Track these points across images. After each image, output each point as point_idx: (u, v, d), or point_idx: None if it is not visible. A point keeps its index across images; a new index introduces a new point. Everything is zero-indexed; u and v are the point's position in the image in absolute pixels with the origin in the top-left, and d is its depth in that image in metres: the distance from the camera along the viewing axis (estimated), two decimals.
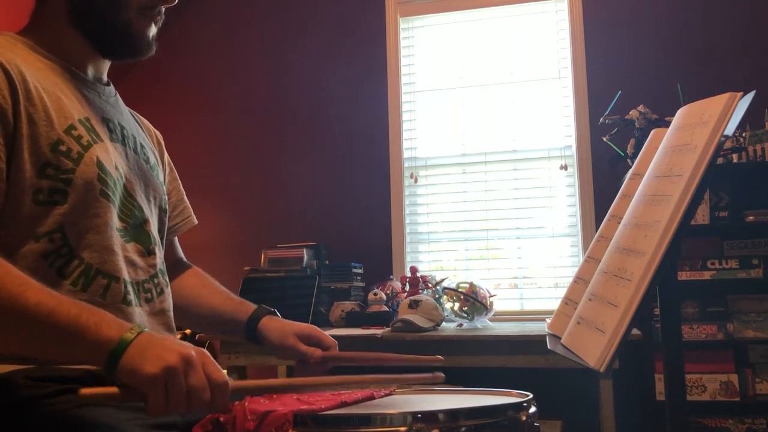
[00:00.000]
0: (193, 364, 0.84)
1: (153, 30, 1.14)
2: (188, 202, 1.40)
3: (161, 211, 1.24)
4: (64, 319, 0.85)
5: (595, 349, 0.88)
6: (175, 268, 1.37)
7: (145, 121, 1.35)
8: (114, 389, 0.83)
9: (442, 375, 1.14)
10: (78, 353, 0.87)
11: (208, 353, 0.88)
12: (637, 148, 2.80)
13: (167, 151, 1.38)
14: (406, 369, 1.23)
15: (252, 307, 1.32)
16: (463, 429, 0.87)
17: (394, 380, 1.12)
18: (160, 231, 1.24)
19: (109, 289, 1.03)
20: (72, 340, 0.85)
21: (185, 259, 1.42)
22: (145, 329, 0.88)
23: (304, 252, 3.07)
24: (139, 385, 0.83)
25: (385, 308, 2.86)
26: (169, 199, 1.32)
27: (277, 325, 1.28)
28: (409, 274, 3.01)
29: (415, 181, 3.37)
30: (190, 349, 0.85)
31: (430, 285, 2.93)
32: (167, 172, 1.36)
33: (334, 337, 1.29)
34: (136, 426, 0.93)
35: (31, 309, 0.84)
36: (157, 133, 1.37)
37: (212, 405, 0.86)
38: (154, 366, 0.82)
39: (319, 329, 1.29)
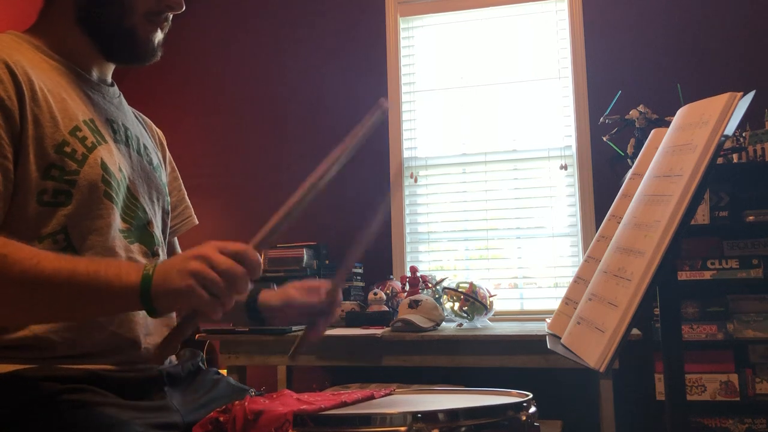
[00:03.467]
0: (209, 255, 0.86)
1: (159, 36, 1.15)
2: (189, 201, 1.40)
3: (164, 213, 1.24)
4: (85, 279, 0.87)
5: (595, 349, 0.88)
6: None
7: (149, 121, 1.35)
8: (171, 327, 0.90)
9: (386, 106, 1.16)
10: (109, 306, 0.90)
11: (213, 243, 0.89)
12: (637, 148, 2.80)
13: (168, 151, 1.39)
14: None
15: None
16: (463, 429, 0.87)
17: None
18: (164, 232, 1.24)
19: None
20: (98, 296, 0.88)
21: None
22: (159, 261, 0.91)
23: (304, 252, 3.07)
24: (181, 302, 0.86)
25: (385, 308, 2.86)
26: (170, 200, 1.32)
27: (273, 292, 1.28)
28: (409, 274, 3.01)
29: (415, 181, 3.37)
30: (198, 249, 0.88)
31: (430, 285, 2.93)
32: (169, 171, 1.36)
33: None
34: (138, 425, 0.93)
35: (49, 276, 0.86)
36: (160, 132, 1.37)
37: (252, 272, 0.88)
38: (182, 279, 0.85)
39: (311, 279, 1.27)
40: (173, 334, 0.94)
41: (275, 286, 1.32)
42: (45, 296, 0.88)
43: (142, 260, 1.12)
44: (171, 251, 1.38)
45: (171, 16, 1.15)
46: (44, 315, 0.92)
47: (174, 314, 1.19)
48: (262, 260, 0.92)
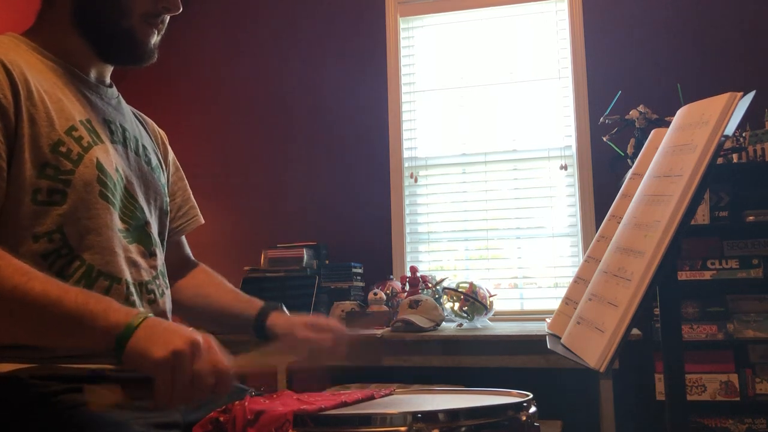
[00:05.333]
0: (199, 349, 0.85)
1: (155, 38, 1.15)
2: (195, 201, 1.40)
3: (162, 213, 1.24)
4: (72, 307, 0.86)
5: (595, 349, 0.88)
6: (184, 266, 1.37)
7: (150, 121, 1.35)
8: (116, 386, 0.85)
9: None
10: (86, 339, 0.88)
11: (213, 339, 0.89)
12: (637, 148, 2.80)
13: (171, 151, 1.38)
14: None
15: (259, 303, 1.32)
16: (463, 429, 0.87)
17: None
18: (161, 233, 1.23)
19: (111, 290, 1.03)
20: (80, 326, 0.86)
21: (193, 258, 1.42)
22: (151, 315, 0.89)
23: (304, 252, 3.07)
24: (147, 369, 0.84)
25: (385, 308, 2.86)
26: (174, 199, 1.32)
27: (284, 320, 1.28)
28: (409, 274, 3.01)
29: (415, 181, 3.37)
30: (196, 335, 0.87)
31: (430, 285, 2.93)
32: (172, 171, 1.35)
33: None
34: (138, 425, 0.93)
35: (38, 298, 0.85)
36: (162, 132, 1.37)
37: (215, 391, 0.87)
38: (162, 350, 0.83)
39: (323, 316, 1.29)
40: (111, 392, 0.89)
41: (285, 308, 1.32)
42: (29, 317, 0.87)
43: (141, 260, 1.12)
44: (179, 250, 1.37)
45: (168, 17, 1.15)
46: (23, 335, 0.91)
47: (170, 318, 1.19)
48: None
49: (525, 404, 0.94)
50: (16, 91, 0.98)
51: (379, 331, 2.59)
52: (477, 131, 3.34)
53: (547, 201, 3.23)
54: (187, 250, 1.41)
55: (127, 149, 1.16)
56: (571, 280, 1.21)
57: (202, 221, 1.40)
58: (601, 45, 3.18)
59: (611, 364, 0.85)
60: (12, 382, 0.93)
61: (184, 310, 1.23)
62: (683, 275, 2.67)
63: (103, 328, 0.85)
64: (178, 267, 1.33)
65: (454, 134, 3.37)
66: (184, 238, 1.40)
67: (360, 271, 3.17)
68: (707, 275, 2.65)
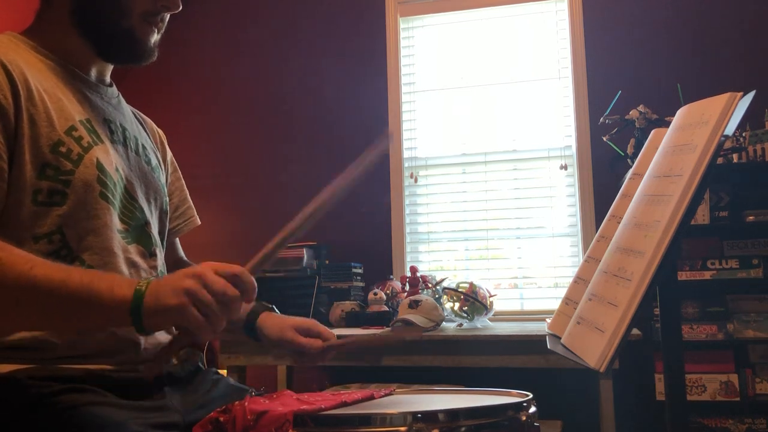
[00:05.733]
0: (205, 275, 0.86)
1: (155, 37, 1.15)
2: (192, 202, 1.39)
3: (162, 213, 1.24)
4: (76, 289, 0.86)
5: (595, 349, 0.88)
6: (176, 268, 1.37)
7: (149, 121, 1.35)
8: (167, 345, 0.89)
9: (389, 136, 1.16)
10: (98, 318, 0.89)
11: (209, 264, 0.89)
12: (637, 148, 2.80)
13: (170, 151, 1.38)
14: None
15: (251, 304, 1.32)
16: (463, 429, 0.87)
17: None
18: (161, 233, 1.23)
19: None
20: (88, 306, 0.87)
21: (186, 259, 1.42)
22: (152, 278, 0.90)
23: (304, 252, 3.07)
24: (172, 321, 0.86)
25: (385, 308, 2.86)
26: (171, 200, 1.32)
27: (275, 321, 1.28)
28: (409, 274, 3.01)
29: (415, 181, 3.37)
30: (194, 269, 0.88)
31: (430, 285, 2.93)
32: (170, 172, 1.35)
33: None
34: (138, 425, 0.93)
35: (43, 283, 0.86)
36: (161, 132, 1.37)
37: (246, 295, 0.88)
38: (174, 297, 0.84)
39: (317, 322, 1.29)
40: (164, 351, 0.94)
41: (276, 308, 1.32)
42: (36, 303, 0.87)
43: (140, 261, 1.12)
44: (172, 252, 1.37)
45: (167, 16, 1.15)
46: (34, 322, 0.92)
47: None
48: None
49: (525, 404, 0.94)
50: (16, 91, 0.97)
51: (379, 332, 2.59)
52: (477, 131, 3.34)
53: (547, 201, 3.23)
54: (181, 251, 1.41)
55: (127, 149, 1.16)
56: (571, 280, 1.21)
57: (199, 222, 1.40)
58: (601, 45, 3.18)
59: (611, 364, 0.85)
60: (11, 382, 0.93)
61: None
62: (683, 275, 2.67)
63: (113, 304, 0.86)
64: (172, 268, 1.33)
65: (454, 134, 3.37)
66: (178, 240, 1.40)
67: (360, 271, 3.17)
68: (707, 275, 2.65)
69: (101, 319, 0.89)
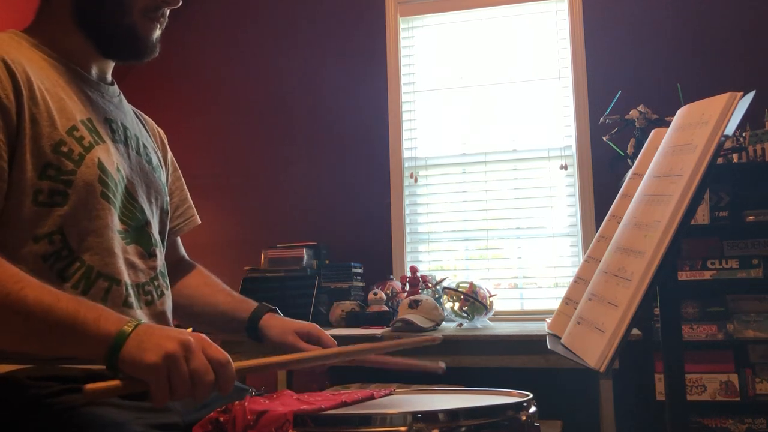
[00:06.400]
0: (192, 348, 0.84)
1: (157, 32, 1.14)
2: (192, 201, 1.39)
3: (162, 213, 1.23)
4: (63, 315, 0.85)
5: (595, 349, 0.88)
6: (179, 267, 1.37)
7: (149, 120, 1.35)
8: (117, 382, 0.83)
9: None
10: (78, 349, 0.87)
11: (207, 337, 0.88)
12: (637, 148, 2.80)
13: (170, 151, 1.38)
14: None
15: (253, 304, 1.32)
16: (463, 429, 0.87)
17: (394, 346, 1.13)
18: (161, 232, 1.23)
19: (110, 291, 1.03)
20: (71, 335, 0.85)
21: (188, 258, 1.42)
22: (143, 321, 0.88)
23: (304, 252, 3.07)
24: (141, 375, 0.83)
25: (385, 308, 2.86)
26: (172, 199, 1.32)
27: (277, 323, 1.28)
28: (409, 274, 3.01)
29: (415, 181, 3.37)
30: (188, 335, 0.86)
31: (430, 285, 2.93)
32: (170, 171, 1.35)
33: (334, 337, 1.29)
34: (138, 425, 0.92)
35: (30, 306, 0.84)
36: (161, 132, 1.37)
37: (218, 386, 0.86)
38: (154, 355, 0.82)
39: (318, 327, 1.29)
40: (111, 390, 0.86)
41: (279, 311, 1.32)
42: (21, 323, 0.86)
43: (139, 262, 1.11)
44: (174, 251, 1.37)
45: (168, 11, 1.15)
46: (15, 341, 0.90)
47: (170, 318, 1.19)
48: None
49: (525, 404, 0.94)
50: (19, 90, 0.97)
51: (379, 332, 2.59)
52: (477, 131, 3.34)
53: (547, 201, 3.23)
54: (182, 251, 1.41)
55: (128, 148, 1.16)
56: (571, 280, 1.21)
57: (199, 221, 1.40)
58: (601, 45, 3.18)
59: (611, 364, 0.85)
60: (10, 382, 0.93)
61: (179, 311, 1.23)
62: (683, 275, 2.67)
63: (95, 338, 0.84)
64: (174, 268, 1.33)
65: (454, 134, 3.37)
66: (179, 239, 1.40)
67: (360, 271, 3.17)
68: (707, 275, 2.65)
69: (80, 350, 0.87)
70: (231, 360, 0.88)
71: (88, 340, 0.85)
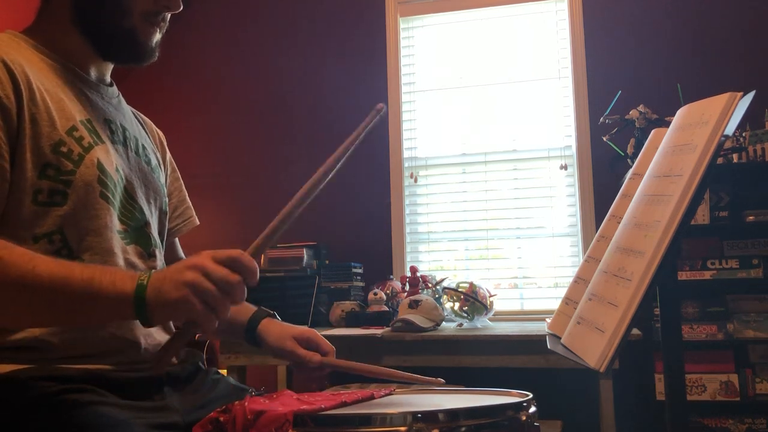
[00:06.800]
0: (204, 265, 0.85)
1: (157, 37, 1.14)
2: (190, 202, 1.39)
3: (162, 213, 1.23)
4: (79, 284, 0.86)
5: (595, 349, 0.88)
6: None
7: (148, 121, 1.35)
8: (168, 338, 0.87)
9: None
10: (102, 313, 0.89)
11: (207, 252, 0.88)
12: (637, 148, 2.80)
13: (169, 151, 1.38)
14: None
15: (252, 309, 1.32)
16: (463, 429, 0.87)
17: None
18: (161, 233, 1.23)
19: None
20: (92, 302, 0.87)
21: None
22: (154, 270, 0.90)
23: (304, 252, 3.07)
24: (177, 314, 0.85)
25: (385, 308, 2.86)
26: (170, 200, 1.32)
27: (275, 329, 1.28)
28: (409, 274, 3.01)
29: (415, 181, 3.37)
30: (193, 259, 0.87)
31: (430, 285, 2.93)
32: (169, 172, 1.35)
33: (334, 337, 1.29)
34: (138, 425, 0.92)
35: (45, 281, 0.86)
36: (160, 133, 1.37)
37: (247, 279, 0.87)
38: (177, 290, 0.84)
39: (317, 333, 1.29)
40: (170, 344, 0.94)
41: (277, 315, 1.32)
42: (41, 300, 0.87)
43: (139, 262, 1.11)
44: (172, 252, 1.37)
45: (168, 15, 1.15)
46: (40, 319, 0.92)
47: None
48: (260, 263, 0.91)
49: (525, 404, 0.94)
50: (19, 91, 0.97)
51: (379, 332, 2.59)
52: (477, 131, 3.34)
53: (547, 201, 3.23)
54: (181, 252, 1.41)
55: (128, 149, 1.16)
56: (571, 280, 1.21)
57: (197, 222, 1.40)
58: (601, 45, 3.18)
59: (611, 364, 0.85)
60: (11, 382, 0.93)
61: None
62: (683, 275, 2.67)
63: (116, 299, 0.86)
64: None
65: (454, 134, 3.37)
66: (177, 240, 1.40)
67: (360, 271, 3.17)
68: (707, 275, 2.65)
69: (106, 314, 0.90)
70: (242, 251, 0.89)
71: (110, 303, 0.86)
